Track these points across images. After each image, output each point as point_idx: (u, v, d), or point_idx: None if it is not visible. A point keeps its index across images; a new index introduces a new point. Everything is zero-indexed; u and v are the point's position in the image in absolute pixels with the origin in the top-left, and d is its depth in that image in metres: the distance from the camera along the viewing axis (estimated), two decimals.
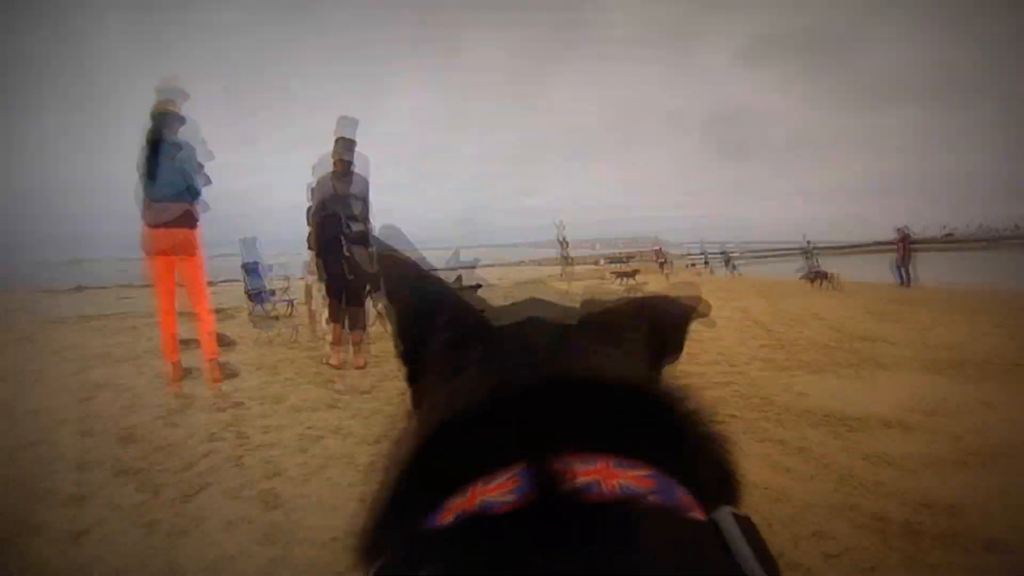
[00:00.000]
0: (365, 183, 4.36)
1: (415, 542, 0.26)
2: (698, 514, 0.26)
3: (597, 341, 0.39)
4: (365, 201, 4.35)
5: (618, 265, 19.73)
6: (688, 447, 0.31)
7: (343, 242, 4.25)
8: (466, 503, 0.26)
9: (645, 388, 0.34)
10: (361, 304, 4.49)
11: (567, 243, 19.69)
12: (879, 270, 13.83)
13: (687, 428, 0.32)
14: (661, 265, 20.89)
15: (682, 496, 0.26)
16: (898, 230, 13.18)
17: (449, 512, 0.26)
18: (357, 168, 4.34)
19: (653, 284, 15.17)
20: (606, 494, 0.24)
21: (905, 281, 12.04)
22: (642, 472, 0.26)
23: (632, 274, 16.28)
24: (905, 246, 12.73)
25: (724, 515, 0.26)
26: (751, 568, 0.24)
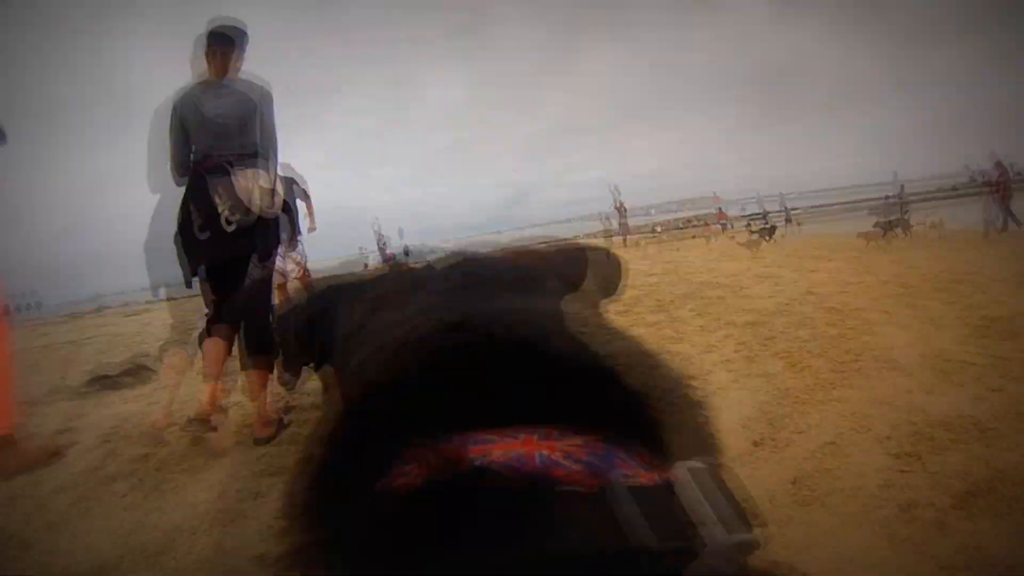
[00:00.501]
0: (250, 103, 2.21)
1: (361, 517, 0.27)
2: (649, 476, 0.27)
3: (532, 294, 0.40)
4: (251, 123, 2.19)
5: (755, 222, 17.31)
6: (636, 412, 0.31)
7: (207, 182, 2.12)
8: (388, 483, 0.27)
9: (585, 356, 0.34)
10: (259, 307, 2.21)
11: (625, 208, 19.10)
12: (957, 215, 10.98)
13: (631, 395, 0.32)
14: (724, 227, 19.26)
15: (623, 462, 0.27)
16: (997, 164, 10.67)
17: (383, 489, 0.27)
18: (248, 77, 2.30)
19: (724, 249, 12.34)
20: (520, 470, 0.25)
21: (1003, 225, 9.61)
22: (575, 441, 0.27)
23: (771, 230, 13.52)
24: (1006, 184, 10.15)
25: (681, 470, 0.27)
26: (702, 519, 0.25)
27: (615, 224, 20.24)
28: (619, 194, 19.78)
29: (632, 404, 0.32)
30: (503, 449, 0.25)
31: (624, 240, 17.71)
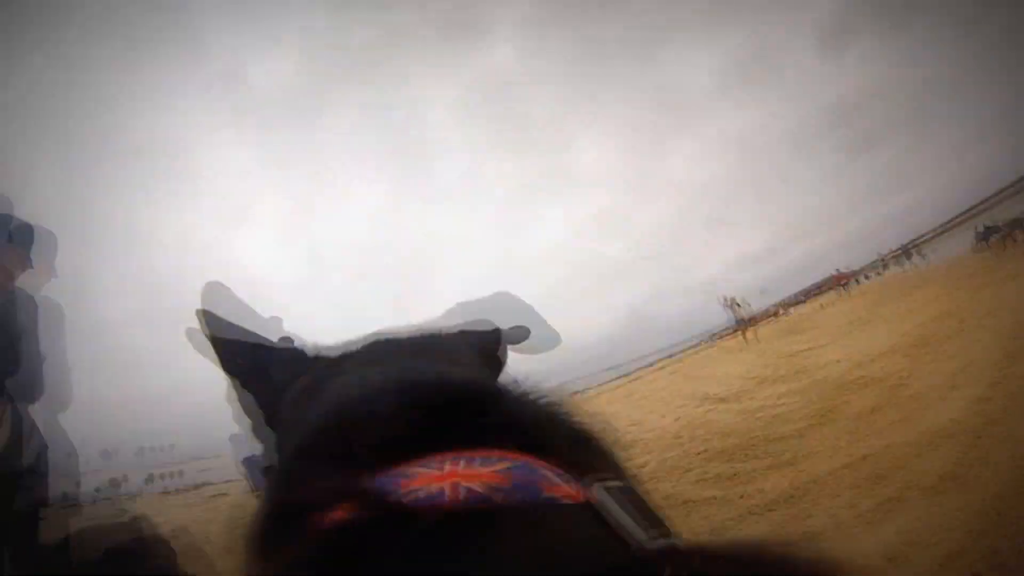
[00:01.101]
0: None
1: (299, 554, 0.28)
2: (571, 493, 0.28)
3: (440, 359, 0.47)
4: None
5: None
6: (553, 435, 0.34)
7: None
8: (323, 520, 0.27)
9: (495, 388, 0.40)
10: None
11: (738, 304, 17.81)
12: None
13: (550, 419, 0.36)
14: (844, 286, 18.38)
15: (546, 483, 0.28)
16: None
17: (316, 527, 0.27)
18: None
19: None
20: (447, 503, 0.26)
21: None
22: (498, 467, 0.28)
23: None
24: None
25: (597, 491, 0.29)
26: (624, 535, 0.26)
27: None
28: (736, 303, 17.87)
29: (546, 424, 0.35)
30: (425, 483, 0.27)
31: (744, 335, 14.93)
